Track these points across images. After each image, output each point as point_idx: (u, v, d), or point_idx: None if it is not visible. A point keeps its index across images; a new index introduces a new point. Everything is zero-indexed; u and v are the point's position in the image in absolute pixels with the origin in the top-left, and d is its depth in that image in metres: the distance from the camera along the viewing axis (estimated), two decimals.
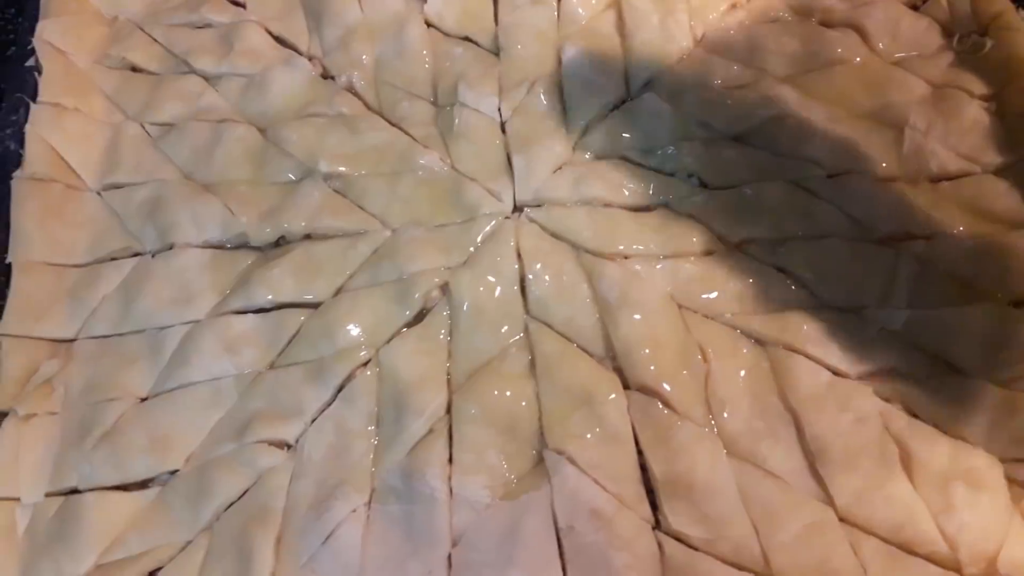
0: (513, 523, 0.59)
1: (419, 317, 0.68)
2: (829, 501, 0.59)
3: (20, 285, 0.69)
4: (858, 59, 0.75)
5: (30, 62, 0.79)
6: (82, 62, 0.81)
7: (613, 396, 0.62)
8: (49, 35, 0.80)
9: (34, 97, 0.77)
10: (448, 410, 0.64)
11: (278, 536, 0.60)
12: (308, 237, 0.72)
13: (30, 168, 0.73)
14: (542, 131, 0.74)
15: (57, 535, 0.61)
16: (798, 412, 0.61)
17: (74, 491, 0.63)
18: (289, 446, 0.64)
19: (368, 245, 0.70)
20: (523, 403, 0.63)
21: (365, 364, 0.66)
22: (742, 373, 0.63)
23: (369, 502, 0.61)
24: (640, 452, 0.61)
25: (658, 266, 0.67)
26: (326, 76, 0.80)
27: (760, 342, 0.65)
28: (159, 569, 0.61)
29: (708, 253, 0.68)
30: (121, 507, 0.62)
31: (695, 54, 0.77)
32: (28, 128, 0.75)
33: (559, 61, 0.77)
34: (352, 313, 0.67)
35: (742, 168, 0.71)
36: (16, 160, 0.74)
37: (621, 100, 0.75)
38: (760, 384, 0.63)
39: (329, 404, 0.65)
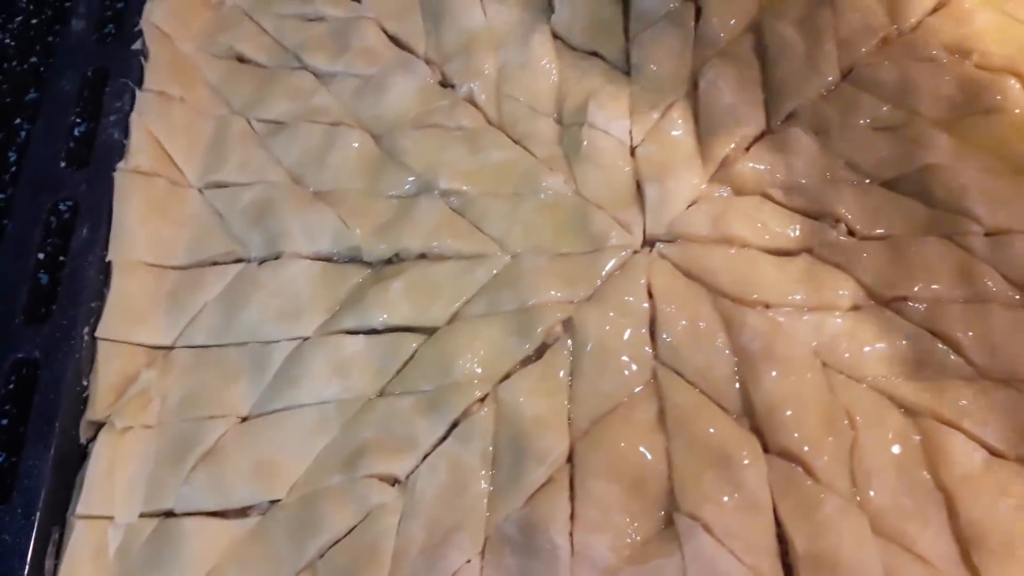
0: None
1: (539, 353, 0.64)
2: None
3: (120, 286, 0.66)
4: (1017, 110, 0.70)
5: (136, 45, 0.75)
6: (187, 48, 0.77)
7: (753, 460, 0.58)
8: (157, 17, 0.76)
9: (139, 82, 0.73)
10: (570, 459, 0.60)
11: None
12: (423, 256, 0.68)
13: (134, 160, 0.70)
14: (677, 160, 0.69)
15: (152, 560, 0.58)
16: (951, 493, 0.57)
17: (170, 513, 0.60)
18: (399, 482, 0.60)
19: (486, 270, 0.66)
20: (651, 458, 0.59)
21: (482, 399, 0.62)
22: (890, 444, 0.59)
23: (483, 552, 0.57)
24: (778, 523, 0.57)
25: (803, 318, 0.62)
26: (444, 84, 0.75)
27: (910, 412, 0.60)
28: None
29: (856, 308, 0.63)
30: (220, 535, 0.58)
31: (842, 89, 0.72)
32: (133, 117, 0.71)
33: (695, 85, 0.72)
34: (470, 343, 0.63)
35: (893, 217, 0.66)
36: (119, 150, 0.71)
37: (761, 132, 0.71)
38: (910, 458, 0.58)
39: (443, 440, 0.61)
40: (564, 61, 0.75)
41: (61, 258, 0.68)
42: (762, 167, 0.69)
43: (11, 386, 0.64)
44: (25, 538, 0.57)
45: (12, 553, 0.57)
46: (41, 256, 0.69)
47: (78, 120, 0.75)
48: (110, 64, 0.75)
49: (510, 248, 0.67)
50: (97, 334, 0.64)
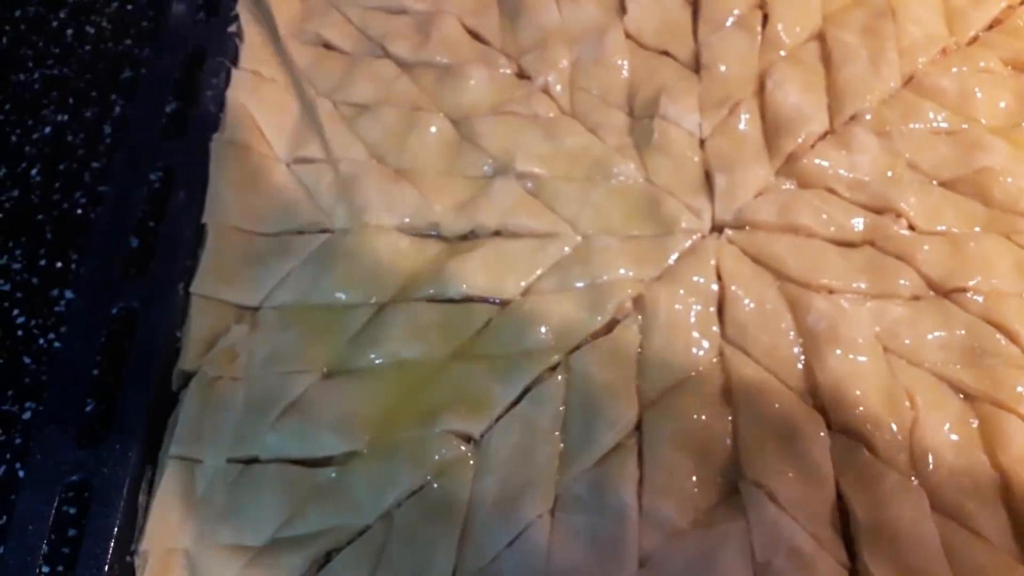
0: (707, 552, 0.57)
1: (609, 327, 0.67)
2: None
3: (213, 247, 0.69)
4: None
5: (232, 28, 0.80)
6: (279, 34, 0.81)
7: (817, 434, 0.60)
8: (251, 4, 0.81)
9: (234, 62, 0.78)
10: (638, 426, 0.62)
11: (462, 532, 0.59)
12: (497, 233, 0.71)
13: (229, 132, 0.74)
14: (744, 153, 0.72)
15: (237, 502, 0.61)
16: (1008, 473, 0.59)
17: (255, 460, 0.63)
18: (474, 440, 0.63)
19: (558, 248, 0.69)
20: (718, 429, 0.62)
21: (554, 368, 0.65)
22: (949, 425, 0.61)
23: (553, 510, 0.60)
24: (839, 496, 0.59)
25: (866, 305, 0.65)
26: (521, 76, 0.79)
27: (969, 397, 0.62)
28: (337, 550, 0.60)
29: (916, 298, 0.66)
30: (302, 482, 0.61)
31: (903, 95, 0.75)
32: (229, 92, 0.76)
33: (761, 86, 0.76)
34: (542, 315, 0.66)
35: (952, 215, 0.69)
36: (214, 123, 0.75)
37: (825, 131, 0.74)
38: (967, 440, 0.61)
39: (516, 403, 0.63)
40: (636, 59, 0.79)
41: (151, 223, 0.72)
42: (826, 163, 0.72)
43: (110, 336, 0.67)
44: (122, 473, 0.61)
45: (109, 487, 0.60)
46: (139, 217, 0.72)
47: (172, 99, 0.79)
48: (207, 44, 0.79)
49: (581, 229, 0.70)
50: (191, 290, 0.67)
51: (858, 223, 0.69)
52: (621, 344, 0.65)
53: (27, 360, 0.72)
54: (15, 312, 0.74)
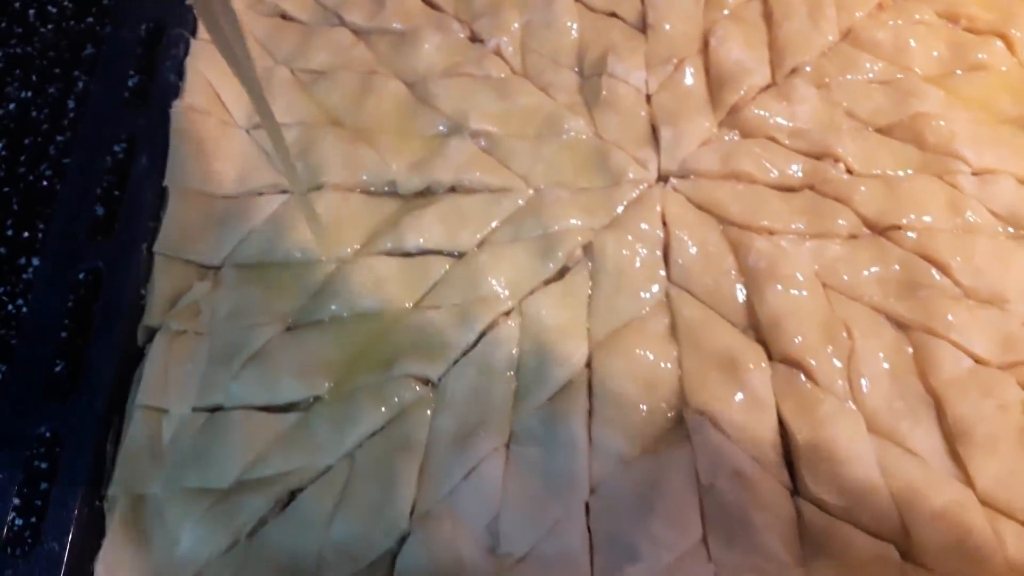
0: (654, 476, 0.60)
1: (560, 274, 0.69)
2: (969, 482, 0.59)
3: (175, 209, 0.71)
4: (1004, 67, 0.76)
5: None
6: (236, 6, 0.83)
7: (757, 365, 0.63)
8: None
9: (194, 33, 0.80)
10: (588, 364, 0.65)
11: (420, 467, 0.61)
12: (453, 189, 0.73)
13: (188, 99, 0.76)
14: (689, 106, 0.75)
15: (203, 448, 0.63)
16: (940, 395, 0.62)
17: (219, 408, 0.65)
18: (432, 383, 0.65)
19: (512, 201, 0.72)
20: (664, 364, 0.64)
21: (508, 313, 0.67)
22: (884, 353, 0.64)
23: (508, 444, 0.62)
24: (780, 422, 0.62)
25: (805, 244, 0.68)
26: (474, 40, 0.82)
27: (903, 326, 0.65)
28: (300, 490, 0.62)
29: (853, 237, 0.69)
30: (265, 427, 0.63)
31: (841, 47, 0.78)
32: (188, 61, 0.78)
33: (705, 43, 0.79)
34: (496, 264, 0.69)
35: (888, 158, 0.72)
36: (175, 92, 0.76)
37: (767, 85, 0.77)
38: (902, 366, 0.64)
39: (472, 347, 0.66)
40: (584, 20, 0.81)
41: (116, 192, 0.74)
42: (767, 114, 0.74)
43: (77, 299, 0.69)
44: (90, 424, 0.63)
45: (79, 437, 0.62)
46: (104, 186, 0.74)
47: (134, 72, 0.81)
48: (166, 18, 0.81)
49: (534, 183, 0.73)
50: (155, 249, 0.69)
51: (798, 169, 0.72)
52: (572, 289, 0.68)
53: None
54: None
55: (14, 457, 0.63)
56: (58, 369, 0.68)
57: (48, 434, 0.64)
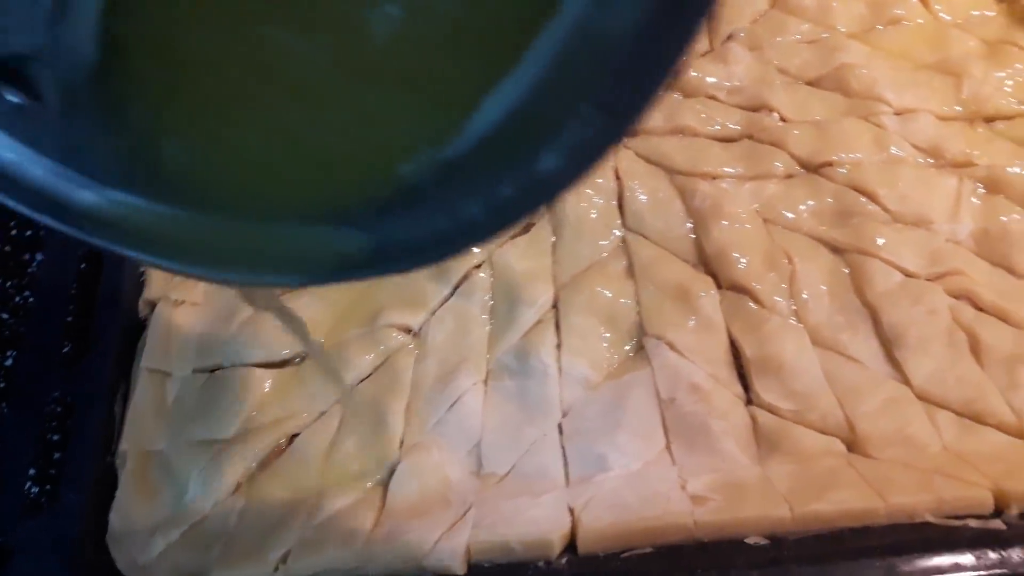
0: (618, 396, 0.66)
1: (526, 228, 0.75)
2: (906, 381, 0.65)
3: None
4: (920, 20, 0.84)
5: None
6: None
7: (707, 292, 0.69)
8: None
9: None
10: (555, 304, 0.71)
11: (407, 404, 0.67)
12: None
13: None
14: None
15: (205, 403, 0.68)
16: (875, 306, 0.68)
17: (219, 367, 0.70)
18: (413, 332, 0.71)
19: None
20: (623, 299, 0.70)
21: (479, 266, 0.73)
22: (822, 275, 0.70)
23: (486, 379, 0.68)
24: (732, 341, 0.68)
25: (745, 186, 0.74)
26: None
27: (838, 250, 0.72)
28: (297, 435, 0.67)
29: (789, 176, 0.75)
30: (263, 381, 0.69)
31: (771, 14, 0.85)
32: None
33: None
34: None
35: (817, 106, 0.79)
36: None
37: (706, 52, 0.84)
38: (839, 284, 0.70)
39: (448, 298, 0.72)
40: None
41: None
42: (707, 76, 0.81)
43: (80, 284, 0.75)
44: (100, 387, 0.68)
45: (90, 399, 0.67)
46: None
47: None
48: None
49: None
50: None
51: (736, 122, 0.79)
52: (537, 240, 0.74)
53: (5, 316, 0.79)
54: None
55: (32, 422, 0.68)
56: (66, 350, 0.74)
57: (59, 396, 0.69)
